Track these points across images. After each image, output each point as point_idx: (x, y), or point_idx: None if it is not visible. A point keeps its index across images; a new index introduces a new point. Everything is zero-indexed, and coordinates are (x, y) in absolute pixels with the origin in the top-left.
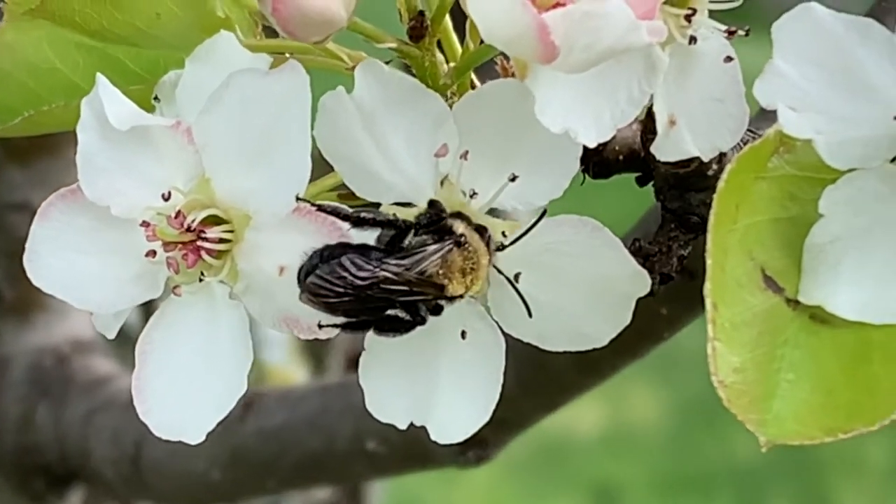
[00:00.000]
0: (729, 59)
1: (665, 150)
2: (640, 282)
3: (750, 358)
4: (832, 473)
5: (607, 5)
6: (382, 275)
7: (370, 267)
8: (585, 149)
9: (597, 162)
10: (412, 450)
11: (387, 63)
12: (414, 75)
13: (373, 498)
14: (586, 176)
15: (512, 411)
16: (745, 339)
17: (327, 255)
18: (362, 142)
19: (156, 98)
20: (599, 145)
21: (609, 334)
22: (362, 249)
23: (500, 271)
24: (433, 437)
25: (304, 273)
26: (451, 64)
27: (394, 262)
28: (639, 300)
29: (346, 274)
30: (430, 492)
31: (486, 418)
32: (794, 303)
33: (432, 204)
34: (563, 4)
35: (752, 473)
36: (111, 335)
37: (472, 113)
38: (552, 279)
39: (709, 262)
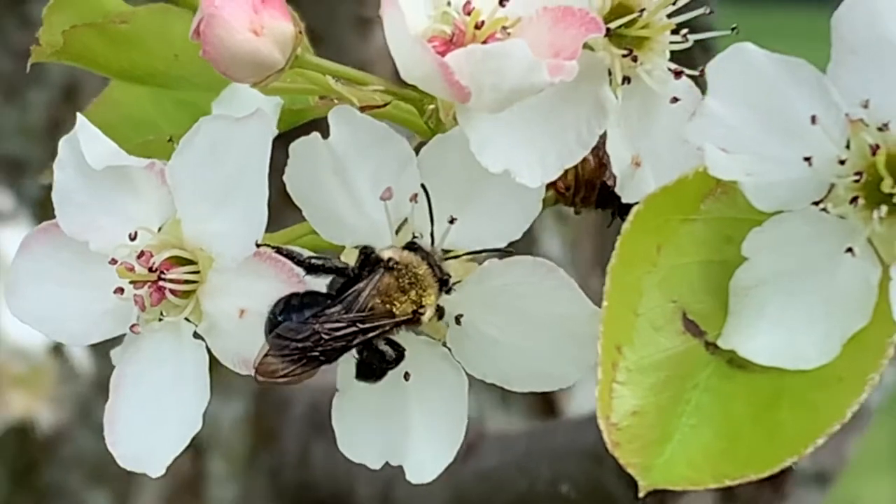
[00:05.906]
0: (675, 99)
1: (629, 191)
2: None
3: (653, 402)
4: None
5: (506, 44)
6: (323, 328)
7: (307, 327)
8: (611, 193)
9: (621, 205)
10: (599, 494)
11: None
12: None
13: None
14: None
15: None
16: (651, 383)
17: (280, 308)
18: (331, 186)
19: (170, 140)
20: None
21: (574, 375)
22: (310, 298)
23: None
24: (409, 478)
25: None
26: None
27: (329, 312)
28: None
29: (286, 342)
30: None
31: (452, 458)
32: (713, 346)
33: (363, 250)
34: None
35: None
36: None
37: (436, 156)
38: (511, 320)
39: (605, 304)
